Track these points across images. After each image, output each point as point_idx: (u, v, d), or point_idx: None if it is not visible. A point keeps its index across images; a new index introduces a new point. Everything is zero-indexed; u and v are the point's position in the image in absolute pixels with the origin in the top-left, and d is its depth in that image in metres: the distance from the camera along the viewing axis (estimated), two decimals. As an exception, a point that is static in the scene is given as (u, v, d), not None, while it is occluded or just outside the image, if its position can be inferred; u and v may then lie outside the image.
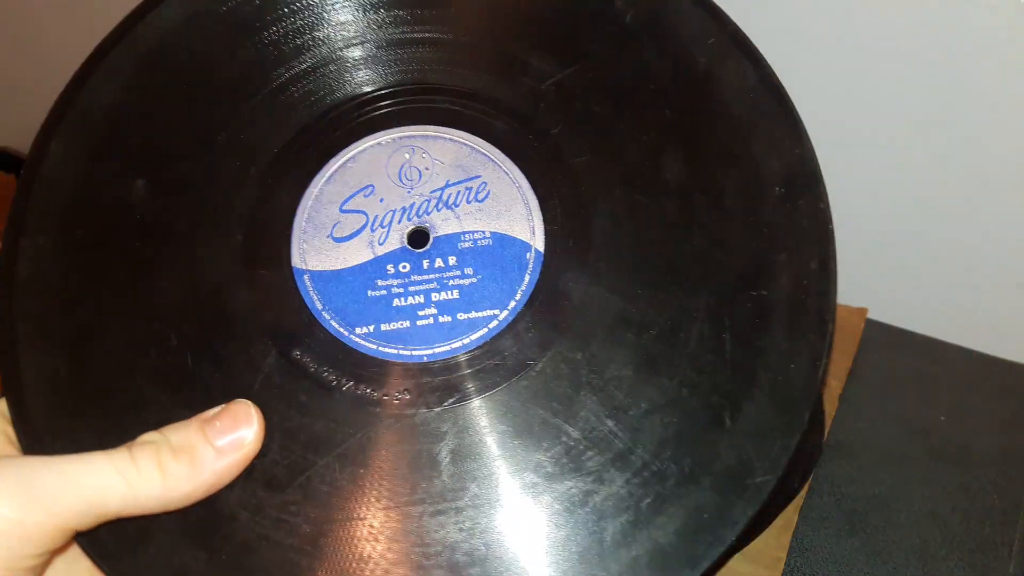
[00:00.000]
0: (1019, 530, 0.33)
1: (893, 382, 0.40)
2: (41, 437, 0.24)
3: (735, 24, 0.27)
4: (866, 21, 0.41)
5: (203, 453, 0.22)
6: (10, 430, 0.24)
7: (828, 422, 0.37)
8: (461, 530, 0.23)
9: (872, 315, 0.42)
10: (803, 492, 0.34)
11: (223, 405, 0.23)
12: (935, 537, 0.33)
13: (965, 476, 0.35)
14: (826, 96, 0.42)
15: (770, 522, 0.32)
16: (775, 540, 0.32)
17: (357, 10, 0.28)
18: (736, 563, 0.31)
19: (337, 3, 0.28)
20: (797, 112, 0.27)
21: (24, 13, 0.88)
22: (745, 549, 0.32)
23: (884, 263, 0.48)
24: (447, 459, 0.24)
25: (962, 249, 0.45)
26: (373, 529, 0.23)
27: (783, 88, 0.27)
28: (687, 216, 0.26)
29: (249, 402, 0.23)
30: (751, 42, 0.27)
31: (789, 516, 0.33)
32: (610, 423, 0.24)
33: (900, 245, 0.46)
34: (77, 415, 0.24)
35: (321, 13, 0.28)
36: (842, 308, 0.43)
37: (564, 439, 0.24)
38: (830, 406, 0.38)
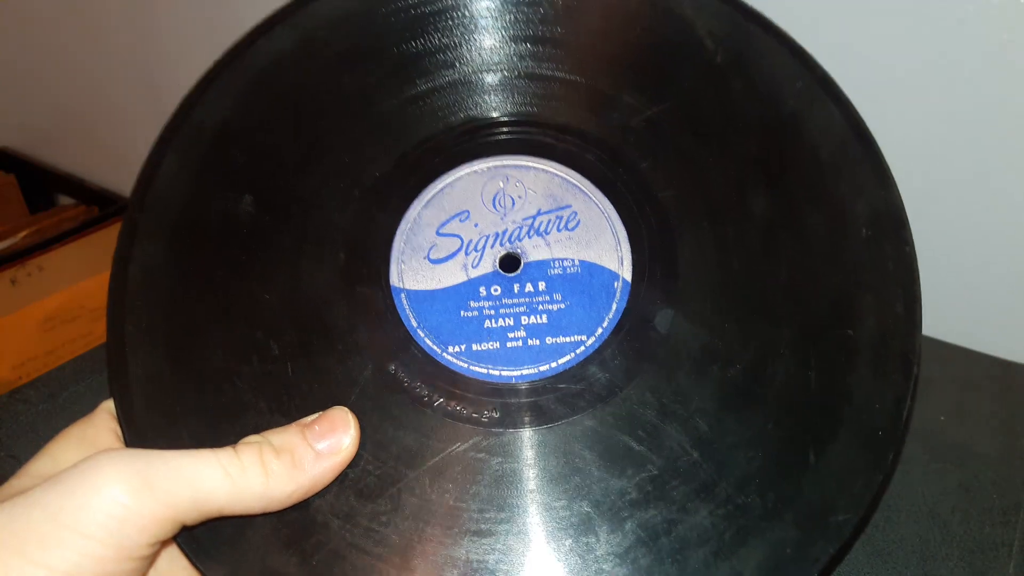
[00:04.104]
0: (1019, 530, 0.33)
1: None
2: (145, 435, 0.25)
3: (823, 68, 0.28)
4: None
5: (303, 455, 0.23)
6: (118, 428, 0.25)
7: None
8: (544, 550, 0.23)
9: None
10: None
11: (322, 412, 0.24)
12: (935, 537, 0.33)
13: (965, 476, 0.35)
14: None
15: None
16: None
17: (458, 46, 0.29)
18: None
19: (442, 41, 0.29)
20: (883, 157, 0.27)
21: (25, 15, 0.91)
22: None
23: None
24: (532, 479, 0.24)
25: (962, 249, 0.45)
26: (460, 543, 0.24)
27: (870, 133, 0.27)
28: (773, 252, 0.26)
29: (346, 408, 0.24)
30: (838, 86, 0.28)
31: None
32: (695, 454, 0.24)
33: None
34: (179, 416, 0.25)
35: (424, 47, 0.29)
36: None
37: (649, 467, 0.24)
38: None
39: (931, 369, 0.41)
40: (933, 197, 0.45)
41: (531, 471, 0.24)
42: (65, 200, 1.01)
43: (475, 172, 0.28)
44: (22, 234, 0.88)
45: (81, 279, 0.80)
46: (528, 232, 0.27)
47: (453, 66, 0.29)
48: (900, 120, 0.44)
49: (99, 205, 0.93)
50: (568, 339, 0.26)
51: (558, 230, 0.27)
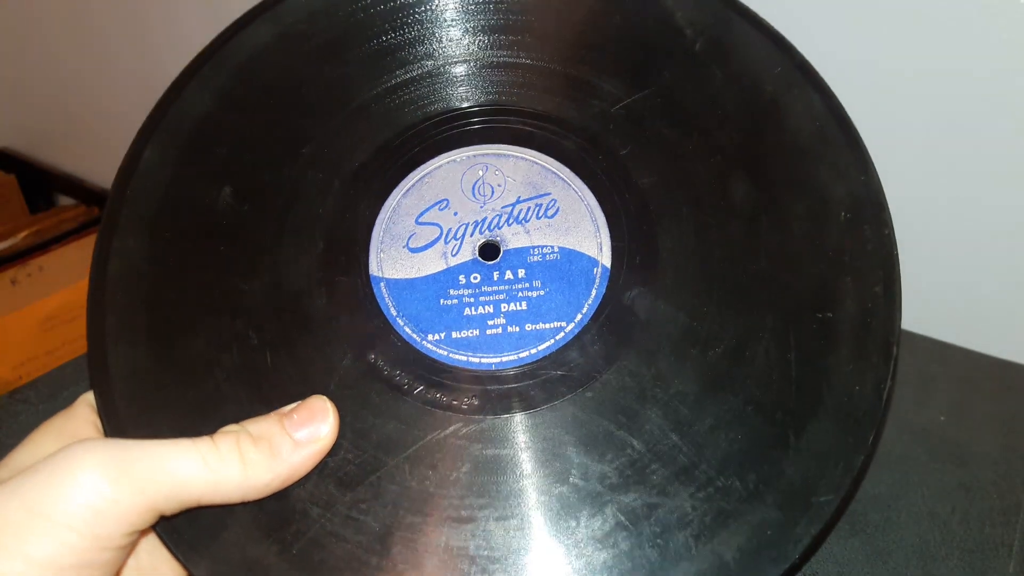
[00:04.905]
0: (1019, 530, 0.33)
1: (893, 382, 0.40)
2: (125, 427, 0.25)
3: (801, 55, 0.28)
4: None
5: (281, 443, 0.23)
6: (98, 421, 0.25)
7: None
8: (525, 536, 0.23)
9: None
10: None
11: (301, 401, 0.24)
12: (935, 537, 0.33)
13: (965, 476, 0.35)
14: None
15: None
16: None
17: (436, 36, 0.29)
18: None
19: (421, 32, 0.29)
20: (863, 141, 0.27)
21: (25, 16, 0.91)
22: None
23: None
24: (513, 465, 0.24)
25: (962, 249, 0.45)
26: (440, 531, 0.23)
27: (849, 118, 0.27)
28: (753, 237, 0.26)
29: (325, 398, 0.24)
30: (817, 72, 0.28)
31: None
32: (675, 437, 0.24)
33: (899, 245, 0.47)
34: (159, 407, 0.25)
35: (403, 38, 0.29)
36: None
37: (629, 451, 0.24)
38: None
39: (931, 369, 0.41)
40: (933, 197, 0.45)
41: (512, 457, 0.24)
42: (65, 200, 1.01)
43: (454, 161, 0.28)
44: (22, 234, 0.88)
45: (81, 279, 0.80)
46: (507, 220, 0.27)
47: (432, 56, 0.29)
48: (896, 121, 0.44)
49: (99, 205, 0.93)
50: (548, 325, 0.26)
51: (537, 217, 0.27)
